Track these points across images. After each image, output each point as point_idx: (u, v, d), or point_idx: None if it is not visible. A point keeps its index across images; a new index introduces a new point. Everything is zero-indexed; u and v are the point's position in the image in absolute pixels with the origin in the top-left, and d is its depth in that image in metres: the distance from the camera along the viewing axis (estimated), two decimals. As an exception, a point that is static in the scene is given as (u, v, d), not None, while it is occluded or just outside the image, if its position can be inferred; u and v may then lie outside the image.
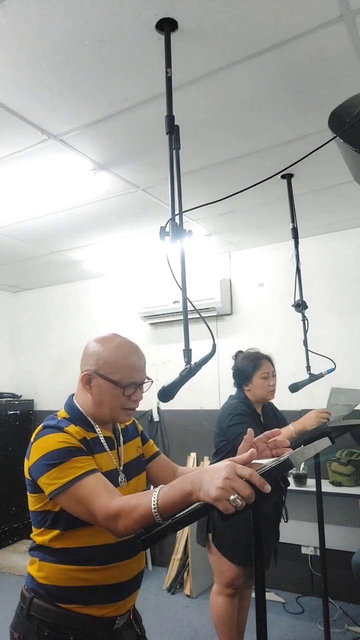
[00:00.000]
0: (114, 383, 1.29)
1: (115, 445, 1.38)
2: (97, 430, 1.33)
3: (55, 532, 1.23)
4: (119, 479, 1.32)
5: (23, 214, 3.11)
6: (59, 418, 1.30)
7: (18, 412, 4.77)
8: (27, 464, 1.26)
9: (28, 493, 1.29)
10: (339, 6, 1.52)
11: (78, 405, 1.35)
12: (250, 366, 2.38)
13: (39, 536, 1.27)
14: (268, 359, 2.43)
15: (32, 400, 4.98)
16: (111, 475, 1.26)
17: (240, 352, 2.56)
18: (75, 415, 1.32)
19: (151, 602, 3.43)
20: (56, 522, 1.23)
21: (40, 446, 1.22)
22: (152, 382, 1.36)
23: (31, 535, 1.32)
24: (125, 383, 1.30)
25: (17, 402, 4.83)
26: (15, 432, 4.64)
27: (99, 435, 1.33)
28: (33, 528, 1.31)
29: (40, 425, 1.28)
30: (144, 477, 1.46)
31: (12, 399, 4.85)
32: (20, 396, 4.96)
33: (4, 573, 4.04)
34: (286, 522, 2.41)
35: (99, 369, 1.31)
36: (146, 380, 1.36)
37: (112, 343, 1.34)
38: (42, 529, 1.26)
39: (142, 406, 4.29)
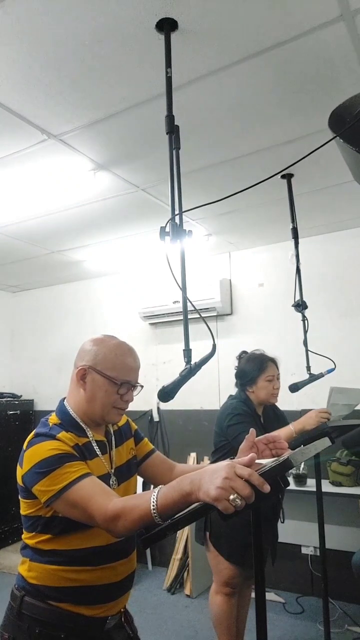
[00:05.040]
0: (109, 379, 1.30)
1: (108, 449, 1.37)
2: (89, 434, 1.33)
3: (47, 536, 1.24)
4: (110, 482, 1.32)
5: (23, 214, 3.11)
6: (51, 424, 1.29)
7: (18, 412, 4.77)
8: (20, 471, 1.26)
9: (20, 498, 1.29)
10: (339, 6, 1.52)
11: (69, 409, 1.35)
12: (256, 368, 2.37)
13: (30, 539, 1.28)
14: (274, 361, 2.42)
15: (32, 400, 4.99)
16: (103, 480, 1.25)
17: (244, 352, 2.55)
18: (66, 421, 1.32)
19: (151, 602, 3.43)
20: (47, 528, 1.23)
21: (32, 455, 1.21)
22: (142, 387, 1.37)
23: (22, 537, 1.32)
24: (121, 380, 1.31)
25: (17, 402, 4.83)
26: (15, 432, 4.64)
27: (91, 440, 1.32)
28: (24, 531, 1.31)
29: (32, 433, 1.28)
30: (135, 481, 1.46)
31: (12, 399, 4.85)
32: (20, 396, 4.96)
33: (4, 573, 4.04)
34: (282, 522, 2.41)
35: (96, 364, 1.32)
36: (138, 384, 1.37)
37: (110, 342, 1.36)
38: (33, 533, 1.26)
39: (142, 406, 4.33)
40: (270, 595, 3.41)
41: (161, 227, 1.40)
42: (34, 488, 1.19)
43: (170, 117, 1.56)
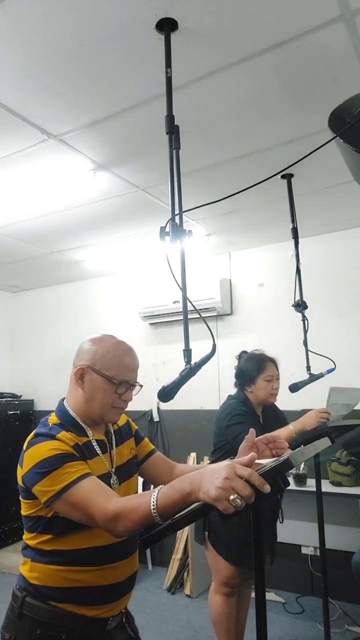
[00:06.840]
0: (107, 379, 1.30)
1: (108, 448, 1.37)
2: (89, 434, 1.33)
3: (48, 536, 1.24)
4: (111, 482, 1.32)
5: (23, 214, 3.11)
6: (50, 424, 1.29)
7: (18, 412, 4.77)
8: (20, 471, 1.26)
9: (21, 499, 1.29)
10: (339, 6, 1.52)
11: (69, 409, 1.35)
12: (255, 368, 2.37)
13: (31, 540, 1.27)
14: (273, 361, 2.42)
15: (32, 400, 4.99)
16: (103, 479, 1.26)
17: (244, 352, 2.55)
18: (66, 420, 1.32)
19: (151, 602, 3.42)
20: (48, 528, 1.23)
21: (32, 455, 1.21)
22: (141, 387, 1.37)
23: (23, 537, 1.32)
24: (119, 380, 1.31)
25: (17, 402, 4.83)
26: (15, 432, 4.64)
27: (91, 439, 1.32)
28: (25, 531, 1.31)
29: (32, 433, 1.28)
30: (136, 480, 1.46)
31: (12, 399, 4.85)
32: (20, 396, 4.96)
33: (4, 573, 4.04)
34: (281, 522, 2.41)
35: (94, 364, 1.31)
36: (137, 383, 1.37)
37: (109, 342, 1.36)
38: (34, 534, 1.26)
39: (142, 406, 4.33)
40: (270, 595, 3.41)
41: (161, 227, 1.40)
42: (34, 488, 1.19)
43: (170, 117, 1.56)
